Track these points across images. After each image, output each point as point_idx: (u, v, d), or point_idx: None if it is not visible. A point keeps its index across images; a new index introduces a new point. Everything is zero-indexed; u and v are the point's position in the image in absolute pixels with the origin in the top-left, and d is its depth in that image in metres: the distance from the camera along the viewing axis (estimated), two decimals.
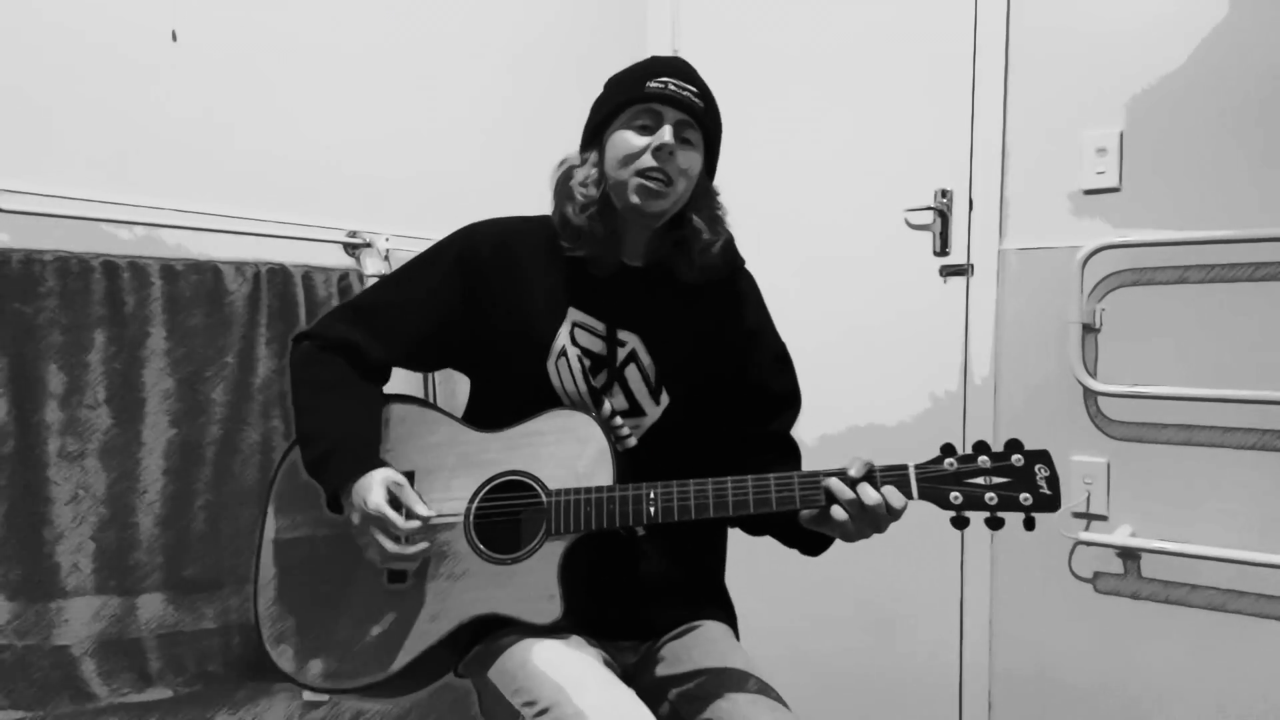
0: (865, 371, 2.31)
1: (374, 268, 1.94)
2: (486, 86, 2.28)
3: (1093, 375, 1.98)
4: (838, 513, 1.11)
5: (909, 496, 1.12)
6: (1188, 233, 1.87)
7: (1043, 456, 1.12)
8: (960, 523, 1.12)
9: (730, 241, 1.37)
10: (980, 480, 1.11)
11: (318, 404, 1.26)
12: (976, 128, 2.15)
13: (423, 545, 1.17)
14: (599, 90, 1.34)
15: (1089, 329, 1.99)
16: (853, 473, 1.11)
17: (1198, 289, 1.89)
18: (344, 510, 1.21)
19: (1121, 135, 1.97)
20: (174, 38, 1.70)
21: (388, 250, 1.95)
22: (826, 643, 2.37)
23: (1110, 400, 1.98)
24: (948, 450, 1.14)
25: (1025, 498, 1.10)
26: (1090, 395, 2.00)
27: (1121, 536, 1.94)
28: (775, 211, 2.43)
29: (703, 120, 1.27)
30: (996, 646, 2.14)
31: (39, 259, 1.51)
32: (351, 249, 1.96)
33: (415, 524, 1.17)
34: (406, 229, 2.01)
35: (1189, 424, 1.90)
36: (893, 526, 1.16)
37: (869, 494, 1.10)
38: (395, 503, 1.18)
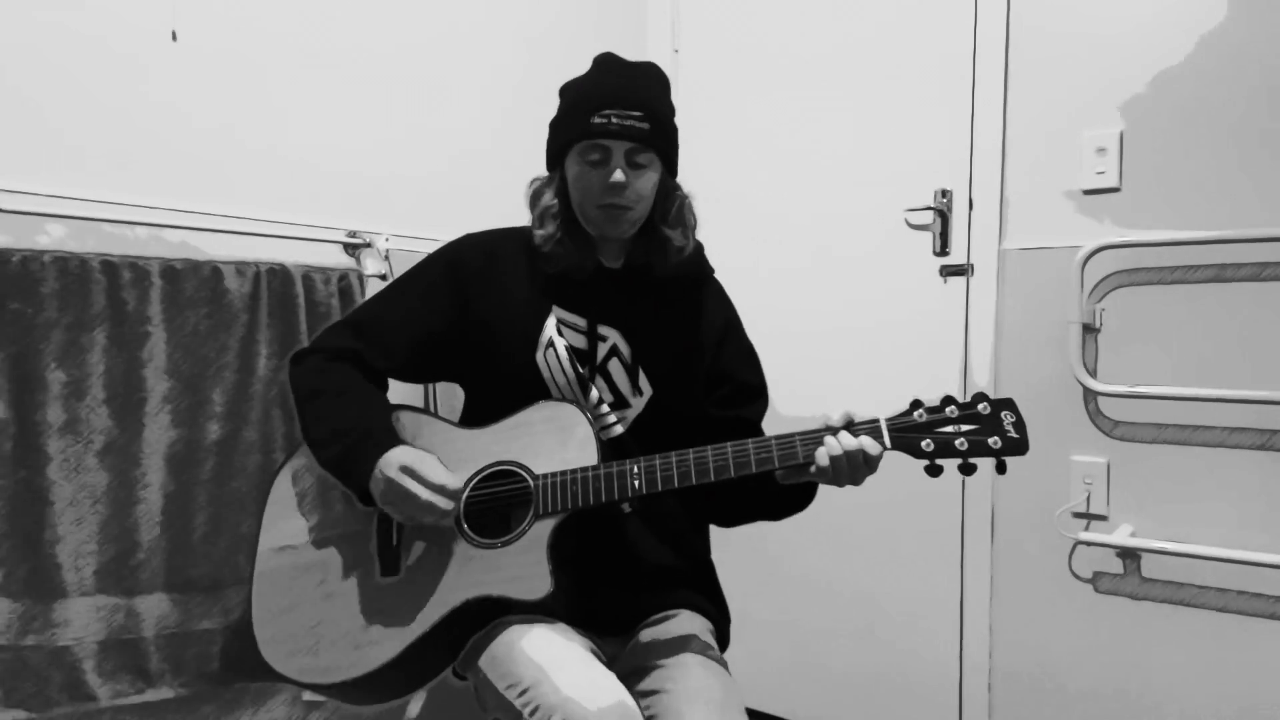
0: (864, 371, 2.31)
1: (374, 268, 1.94)
2: (487, 87, 2.28)
3: (1093, 375, 1.98)
4: (821, 457, 1.15)
5: (883, 446, 1.16)
6: (1188, 233, 1.87)
7: (1008, 404, 1.17)
8: (934, 470, 1.16)
9: (700, 250, 1.45)
10: (950, 429, 1.16)
11: (333, 408, 1.29)
12: (976, 128, 2.15)
13: (450, 504, 1.20)
14: None
15: (1089, 329, 1.99)
16: (833, 422, 1.17)
17: (1198, 289, 1.89)
18: (372, 496, 1.22)
19: (1121, 135, 1.97)
20: (174, 37, 1.70)
21: (387, 250, 1.95)
22: (826, 642, 2.37)
23: (1110, 400, 1.98)
24: (916, 404, 1.18)
25: (995, 441, 1.14)
26: (1090, 395, 2.00)
27: (1121, 536, 1.94)
28: (775, 211, 2.43)
29: (653, 141, 1.31)
30: (996, 646, 2.14)
31: (39, 259, 1.51)
32: (351, 249, 1.95)
33: (436, 485, 1.19)
34: (406, 229, 2.01)
35: (1189, 424, 1.90)
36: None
37: (847, 440, 1.15)
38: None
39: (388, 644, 1.20)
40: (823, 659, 2.37)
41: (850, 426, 1.17)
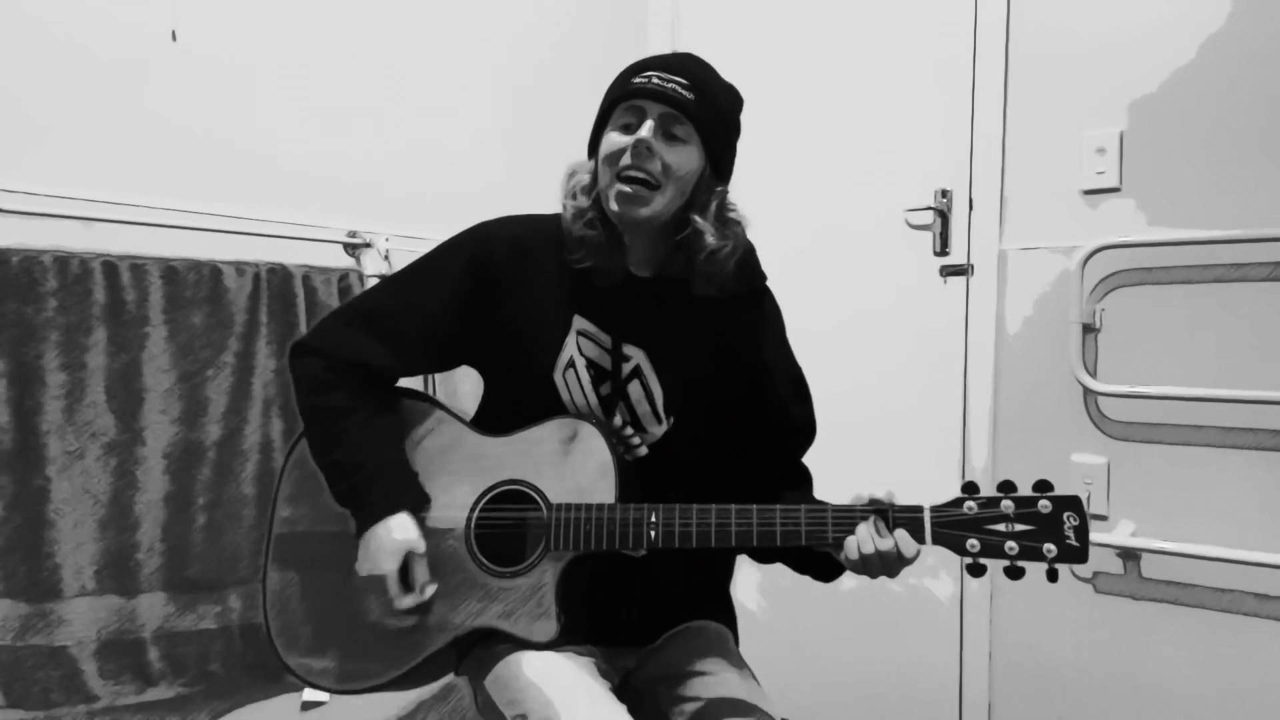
0: (865, 371, 2.31)
1: (374, 268, 1.94)
2: (487, 88, 2.28)
3: (1093, 375, 1.98)
4: (850, 549, 1.07)
5: (921, 542, 1.06)
6: (1188, 232, 1.87)
7: (1073, 504, 1.03)
8: (976, 570, 1.05)
9: (750, 255, 1.27)
10: (1001, 527, 1.04)
11: (340, 431, 1.21)
12: (976, 128, 2.15)
13: (409, 621, 1.18)
14: (593, 90, 1.31)
15: (1089, 329, 1.99)
16: (865, 502, 1.09)
17: (1198, 289, 1.89)
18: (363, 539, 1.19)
19: (1121, 135, 1.97)
20: (174, 38, 1.70)
21: (388, 250, 1.95)
22: (827, 643, 2.37)
23: (1110, 400, 1.98)
24: (969, 489, 1.07)
25: (1050, 549, 1.01)
26: (1090, 395, 2.00)
27: (1121, 536, 1.94)
28: (775, 211, 2.43)
29: (693, 113, 1.15)
30: (996, 646, 2.14)
31: (39, 259, 1.51)
32: (351, 249, 1.96)
33: (409, 604, 1.17)
34: (406, 229, 2.01)
35: (1189, 424, 1.90)
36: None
37: (881, 540, 1.06)
38: (405, 568, 1.17)
39: (392, 660, 1.20)
40: (822, 659, 2.37)
41: (889, 512, 1.06)
